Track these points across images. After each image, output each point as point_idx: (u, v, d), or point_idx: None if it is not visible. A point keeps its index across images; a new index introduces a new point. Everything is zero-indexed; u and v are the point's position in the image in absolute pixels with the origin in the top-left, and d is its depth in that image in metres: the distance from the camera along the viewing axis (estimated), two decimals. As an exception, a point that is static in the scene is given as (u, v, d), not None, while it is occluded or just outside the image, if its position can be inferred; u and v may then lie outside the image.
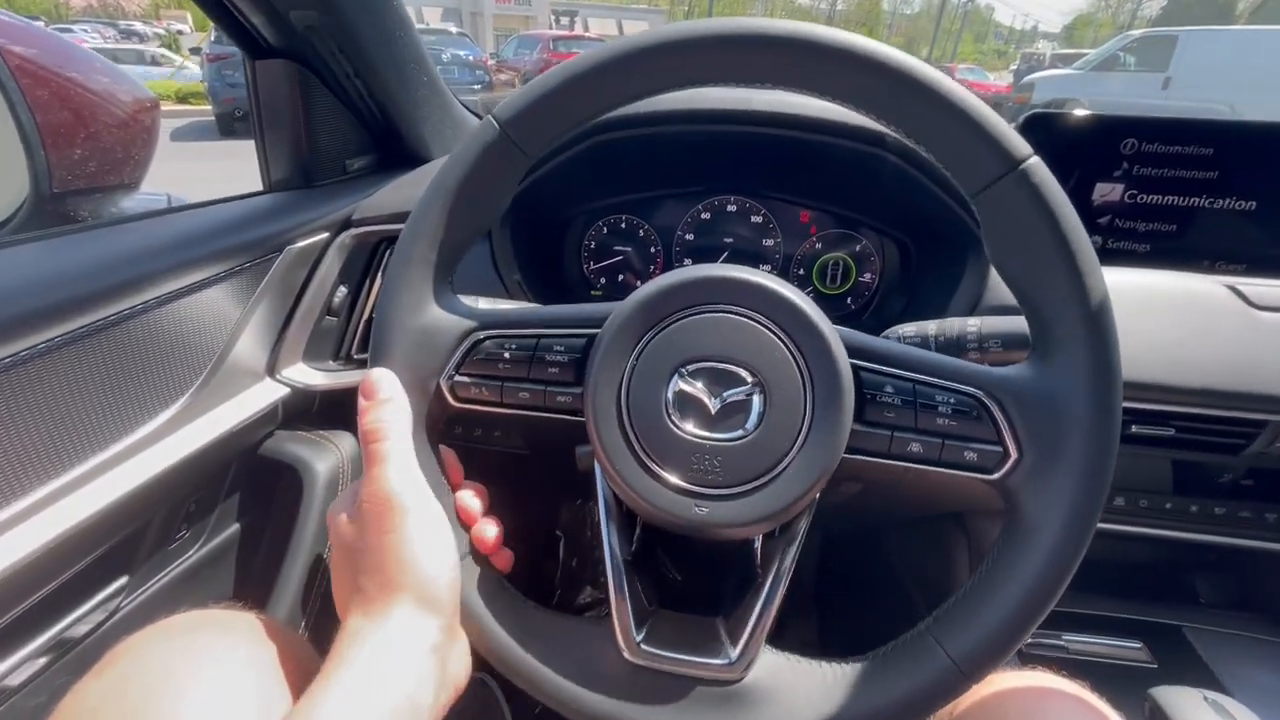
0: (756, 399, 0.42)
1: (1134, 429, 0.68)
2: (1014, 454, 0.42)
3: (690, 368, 0.43)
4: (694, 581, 0.56)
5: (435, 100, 0.83)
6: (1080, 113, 0.74)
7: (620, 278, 0.95)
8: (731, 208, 0.91)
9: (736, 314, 0.43)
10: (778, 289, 0.43)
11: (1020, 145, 0.40)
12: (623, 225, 0.93)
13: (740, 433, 0.42)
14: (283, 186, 0.79)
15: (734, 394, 0.42)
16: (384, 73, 0.73)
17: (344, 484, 0.74)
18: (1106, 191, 0.76)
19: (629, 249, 0.94)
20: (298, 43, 0.68)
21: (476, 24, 28.33)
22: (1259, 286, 0.69)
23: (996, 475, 0.43)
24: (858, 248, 0.90)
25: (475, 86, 11.22)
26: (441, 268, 0.47)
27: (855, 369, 0.44)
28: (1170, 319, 0.67)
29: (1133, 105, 9.64)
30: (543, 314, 0.49)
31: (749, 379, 0.42)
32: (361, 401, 0.44)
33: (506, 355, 0.47)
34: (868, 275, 0.90)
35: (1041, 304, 0.42)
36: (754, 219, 0.91)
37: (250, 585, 0.72)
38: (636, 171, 0.87)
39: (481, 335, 0.47)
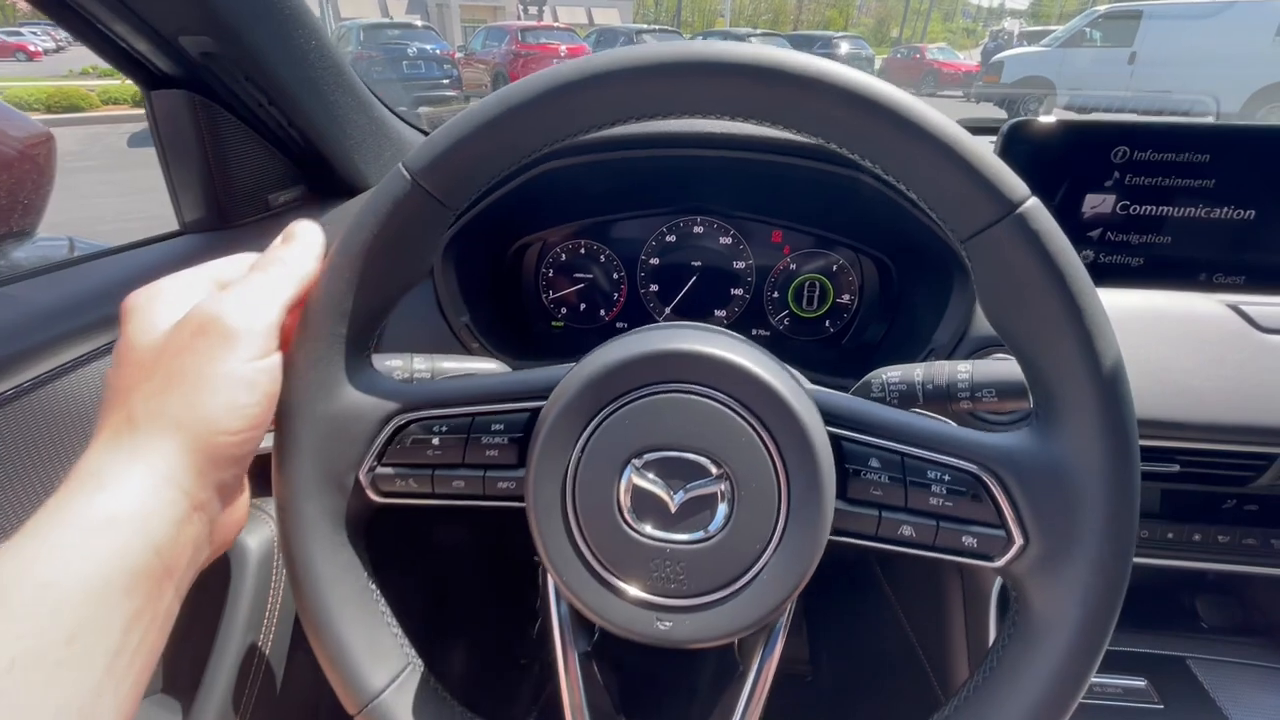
0: (723, 494, 0.37)
1: None
2: (1019, 540, 0.37)
3: (645, 458, 0.37)
4: (664, 676, 0.50)
5: (366, 120, 0.74)
6: (1068, 119, 0.68)
7: (582, 306, 0.88)
8: (698, 229, 0.84)
9: (696, 394, 0.37)
10: (743, 364, 0.37)
11: (1015, 185, 0.34)
12: (582, 251, 0.86)
13: (705, 534, 0.37)
14: (198, 228, 0.71)
15: (697, 488, 0.37)
16: (301, 97, 0.64)
17: (279, 561, 0.67)
18: (1097, 203, 0.70)
19: (590, 276, 0.87)
20: (196, 71, 0.60)
21: (444, 16, 27.77)
22: (1263, 306, 0.64)
23: (999, 563, 0.38)
24: (835, 267, 0.84)
25: (444, 81, 10.94)
26: (355, 341, 0.41)
27: (836, 439, 0.39)
28: (1172, 346, 0.62)
29: (1101, 90, 9.68)
30: (476, 387, 0.43)
31: (714, 470, 0.37)
32: (275, 240, 0.40)
33: (435, 440, 0.41)
34: (846, 296, 0.85)
35: (1044, 365, 0.36)
36: (723, 240, 0.84)
37: (177, 678, 0.65)
38: (594, 195, 0.80)
39: (405, 418, 0.41)
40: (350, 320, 0.40)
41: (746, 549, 0.36)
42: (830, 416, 0.40)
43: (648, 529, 0.37)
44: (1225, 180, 0.66)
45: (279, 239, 0.41)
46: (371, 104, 0.75)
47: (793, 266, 0.84)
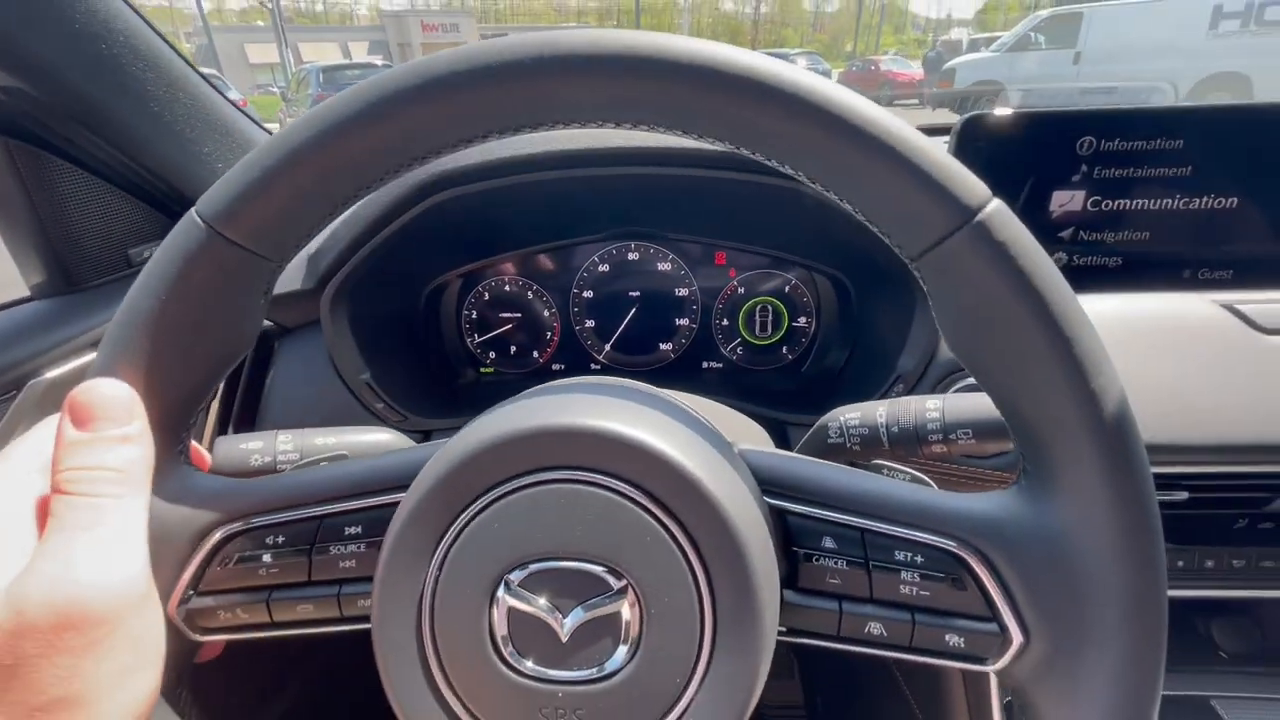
0: (627, 613, 0.28)
1: None
2: (1017, 637, 0.29)
3: (524, 573, 0.29)
4: None
5: (231, 142, 0.65)
6: (1027, 111, 0.61)
7: (512, 350, 0.79)
8: (634, 255, 0.76)
9: (583, 483, 0.29)
10: (638, 437, 0.29)
11: (972, 187, 0.27)
12: (506, 288, 0.77)
13: (605, 669, 0.29)
14: (44, 292, 0.60)
15: (592, 608, 0.28)
16: (140, 128, 0.55)
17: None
18: (1065, 200, 0.63)
19: (518, 315, 0.78)
20: (5, 113, 0.50)
21: (405, 55, 28.04)
22: (1259, 304, 0.57)
23: (996, 666, 0.30)
24: (787, 288, 0.76)
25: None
26: (160, 435, 0.31)
27: (780, 513, 0.32)
28: (1168, 357, 0.54)
29: (1051, 87, 10.04)
30: (322, 480, 0.34)
31: (613, 583, 0.28)
32: (69, 431, 0.29)
33: (268, 556, 0.33)
34: (802, 319, 0.76)
35: (1026, 408, 0.29)
36: (661, 266, 0.76)
37: None
38: (512, 225, 0.71)
39: (228, 531, 0.33)
40: (151, 408, 0.31)
41: (662, 686, 0.28)
42: (770, 483, 0.33)
43: (530, 666, 0.29)
44: (1202, 167, 0.59)
45: (64, 417, 0.29)
46: (235, 121, 0.66)
47: (741, 290, 0.76)
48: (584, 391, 0.33)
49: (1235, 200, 0.60)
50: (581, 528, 0.28)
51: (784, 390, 0.76)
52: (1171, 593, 0.66)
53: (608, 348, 0.78)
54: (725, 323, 0.77)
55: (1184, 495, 0.55)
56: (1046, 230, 0.63)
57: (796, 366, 0.78)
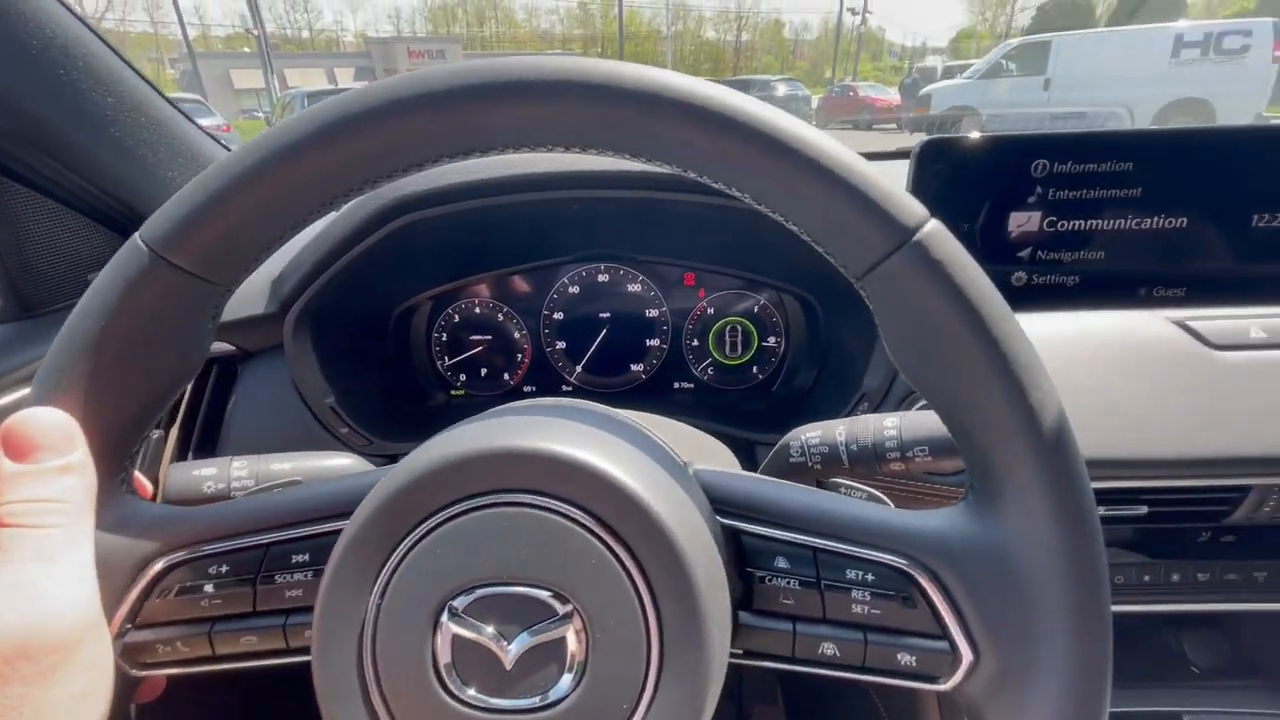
0: (573, 638, 0.28)
1: (1101, 512, 0.55)
2: (967, 655, 0.29)
3: (467, 599, 0.28)
4: None
5: (197, 167, 0.64)
6: (983, 135, 0.63)
7: (483, 372, 0.79)
8: (603, 277, 0.76)
9: (527, 506, 0.28)
10: (582, 459, 0.29)
11: (909, 208, 0.27)
12: (477, 310, 0.77)
13: (546, 697, 0.28)
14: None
15: (537, 633, 0.28)
16: (101, 152, 0.54)
17: None
18: (1023, 221, 0.65)
19: (488, 337, 0.77)
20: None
21: (390, 80, 28.13)
22: (1211, 320, 0.58)
23: (948, 685, 0.30)
24: (756, 308, 0.77)
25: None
26: (101, 463, 0.31)
27: (734, 533, 0.32)
28: (1123, 373, 0.55)
29: (1022, 113, 10.36)
30: (267, 507, 0.34)
31: (558, 608, 0.28)
32: (7, 464, 0.28)
33: (210, 586, 0.32)
34: (772, 339, 0.77)
35: (968, 424, 0.29)
36: (631, 287, 0.76)
37: None
38: (480, 247, 0.71)
39: (168, 561, 0.32)
40: (90, 436, 0.30)
41: (607, 713, 0.27)
42: (723, 503, 0.32)
43: (472, 695, 0.28)
44: (1152, 188, 0.61)
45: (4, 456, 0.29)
46: (193, 137, 0.65)
47: (711, 311, 0.77)
48: (533, 414, 0.33)
49: (1185, 220, 0.62)
50: (526, 551, 0.28)
51: (755, 410, 0.76)
52: (1140, 607, 0.67)
53: (579, 369, 0.78)
54: (695, 343, 0.78)
55: (1144, 510, 0.56)
56: (1006, 250, 0.64)
57: (767, 386, 0.78)
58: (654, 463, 0.31)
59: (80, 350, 0.29)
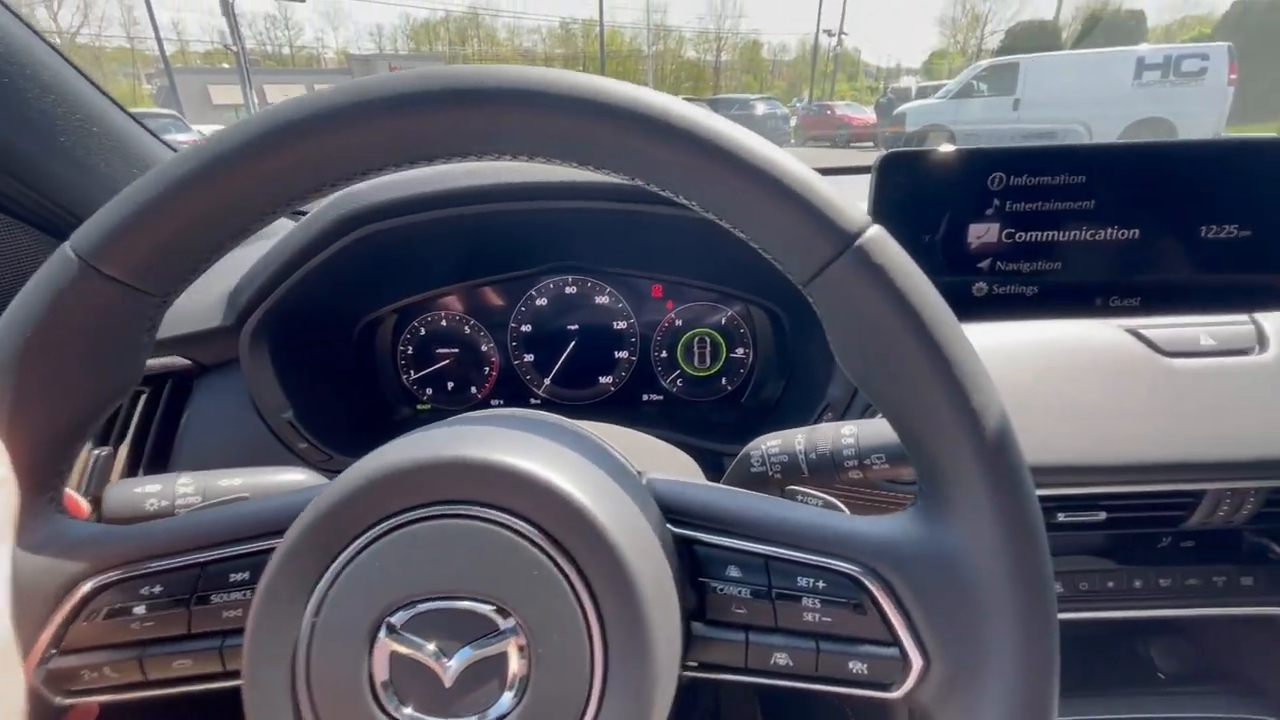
0: (515, 654, 0.27)
1: (1060, 518, 0.56)
2: (917, 661, 0.29)
3: (406, 614, 0.27)
4: None
5: (143, 171, 0.63)
6: (941, 149, 0.64)
7: (450, 385, 0.78)
8: (571, 289, 0.76)
9: (468, 517, 0.28)
10: (523, 468, 0.28)
11: (851, 214, 0.27)
12: (443, 323, 0.76)
13: (485, 716, 0.27)
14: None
15: (478, 649, 0.27)
16: (48, 163, 0.53)
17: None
18: (982, 233, 0.66)
19: (455, 350, 0.77)
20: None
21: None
22: (1163, 329, 0.60)
23: (899, 693, 0.30)
24: (723, 320, 0.77)
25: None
26: (26, 480, 0.30)
27: (686, 543, 0.32)
28: (1081, 383, 0.56)
29: (993, 130, 10.67)
30: (203, 525, 0.33)
31: (500, 622, 0.27)
32: None
33: (141, 608, 0.31)
34: (740, 350, 0.77)
35: (914, 429, 0.29)
36: (599, 299, 0.76)
37: None
38: (445, 259, 0.71)
39: (98, 582, 0.31)
40: (15, 453, 0.29)
41: None
42: (676, 513, 0.32)
43: (409, 713, 0.27)
44: (1105, 200, 0.63)
45: None
46: (147, 146, 0.64)
47: (679, 323, 0.77)
48: (480, 424, 0.32)
49: (1137, 232, 0.63)
50: (467, 565, 0.27)
51: (725, 422, 0.76)
52: (1105, 614, 0.67)
53: (547, 382, 0.78)
54: (664, 355, 0.78)
55: (1102, 516, 0.56)
56: (966, 261, 0.65)
57: (736, 398, 0.78)
58: (602, 473, 0.30)
59: (3, 363, 0.28)
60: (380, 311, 0.73)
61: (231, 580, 0.31)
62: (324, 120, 0.27)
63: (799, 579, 0.30)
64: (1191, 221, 0.62)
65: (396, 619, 0.27)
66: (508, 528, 0.27)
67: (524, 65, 0.28)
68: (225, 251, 0.30)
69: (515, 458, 0.28)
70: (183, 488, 0.44)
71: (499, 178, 0.58)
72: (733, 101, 16.08)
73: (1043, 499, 0.54)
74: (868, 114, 16.70)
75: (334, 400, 0.68)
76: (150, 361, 0.60)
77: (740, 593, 0.31)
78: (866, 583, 0.29)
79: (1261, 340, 0.58)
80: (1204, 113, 9.64)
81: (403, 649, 0.27)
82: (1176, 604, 0.65)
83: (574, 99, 0.27)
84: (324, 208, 0.57)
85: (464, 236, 0.66)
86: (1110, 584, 0.65)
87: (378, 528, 0.27)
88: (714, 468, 0.65)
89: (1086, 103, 10.13)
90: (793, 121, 16.84)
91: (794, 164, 0.28)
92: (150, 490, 0.44)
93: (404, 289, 0.72)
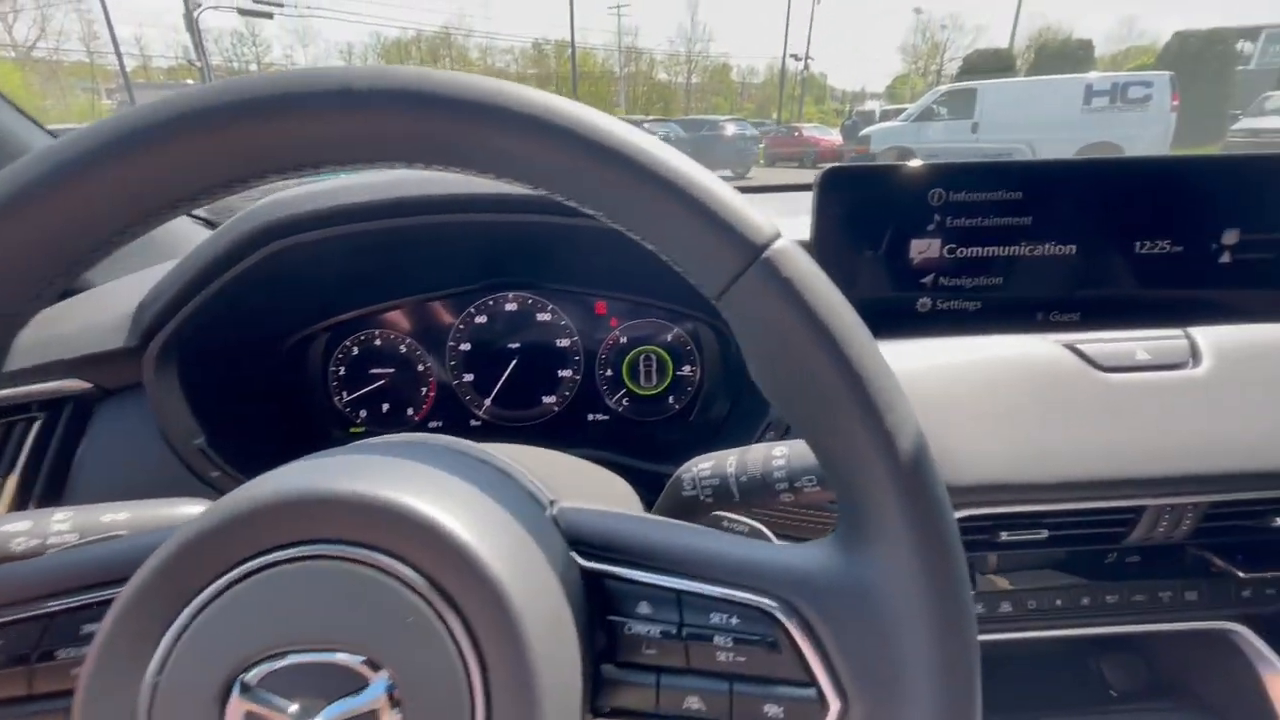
0: (386, 711, 0.24)
1: (1004, 536, 0.55)
2: (835, 703, 0.27)
3: (263, 670, 0.24)
4: None
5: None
6: (881, 164, 0.64)
7: (385, 407, 0.74)
8: (511, 306, 0.73)
9: (333, 559, 0.25)
10: (393, 500, 0.25)
11: (758, 225, 0.26)
12: (377, 341, 0.73)
13: None
14: None
15: (343, 708, 0.24)
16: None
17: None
18: (924, 248, 0.66)
19: (390, 370, 0.73)
20: None
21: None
22: (1098, 343, 0.60)
23: None
24: (669, 337, 0.75)
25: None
26: None
27: (597, 578, 0.30)
28: (1019, 399, 0.55)
29: (954, 151, 11.07)
30: (53, 568, 0.30)
31: (369, 675, 0.24)
32: None
33: None
34: (687, 368, 0.75)
35: (830, 451, 0.27)
36: (541, 316, 0.74)
37: None
38: (377, 274, 0.68)
39: None
40: None
41: None
42: (587, 545, 0.30)
43: None
44: (1042, 217, 0.63)
45: None
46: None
47: (624, 340, 0.75)
48: (361, 453, 0.29)
49: (1075, 248, 0.64)
50: (332, 611, 0.24)
51: (672, 441, 0.74)
52: (1054, 632, 0.66)
53: (488, 402, 0.75)
54: (609, 373, 0.75)
55: (1044, 534, 0.55)
56: (909, 276, 0.65)
57: (684, 416, 0.76)
58: (495, 504, 0.28)
59: None
60: (311, 329, 0.70)
61: (83, 633, 0.28)
62: (180, 126, 0.24)
63: (711, 615, 0.28)
64: (1126, 237, 0.63)
65: (252, 676, 0.24)
66: (378, 568, 0.24)
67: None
68: (87, 267, 0.27)
69: (392, 490, 0.25)
70: (57, 524, 0.40)
71: (423, 189, 0.56)
72: (703, 122, 16.32)
73: (984, 518, 0.53)
74: (834, 135, 17.12)
75: (256, 424, 0.65)
76: (46, 385, 0.55)
77: (649, 631, 0.28)
78: (780, 618, 0.27)
79: (1195, 354, 0.58)
80: (1149, 136, 10.15)
81: (258, 709, 0.24)
82: (1125, 620, 0.65)
83: (472, 103, 0.24)
84: (236, 220, 0.54)
85: (397, 251, 0.64)
86: (1059, 601, 0.65)
87: (233, 572, 0.24)
88: (657, 490, 0.63)
89: (1039, 126, 10.59)
90: (762, 144, 17.21)
91: (700, 172, 0.26)
92: (18, 528, 0.39)
93: (336, 306, 0.69)
